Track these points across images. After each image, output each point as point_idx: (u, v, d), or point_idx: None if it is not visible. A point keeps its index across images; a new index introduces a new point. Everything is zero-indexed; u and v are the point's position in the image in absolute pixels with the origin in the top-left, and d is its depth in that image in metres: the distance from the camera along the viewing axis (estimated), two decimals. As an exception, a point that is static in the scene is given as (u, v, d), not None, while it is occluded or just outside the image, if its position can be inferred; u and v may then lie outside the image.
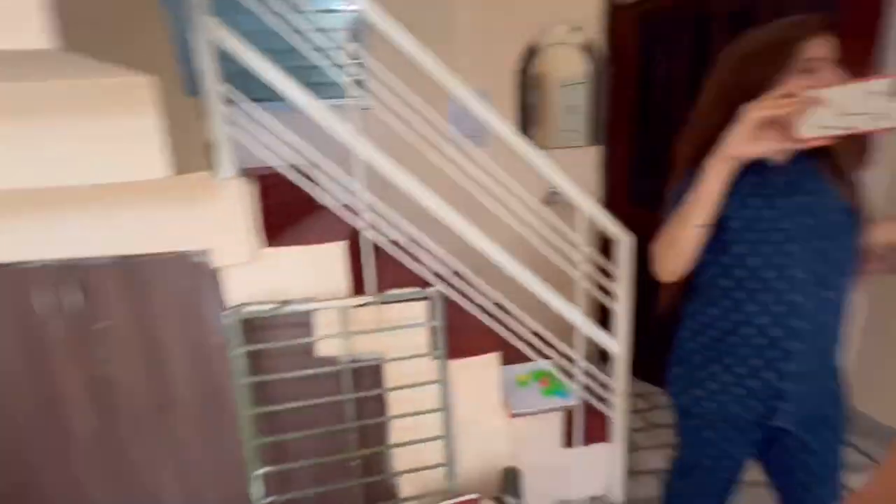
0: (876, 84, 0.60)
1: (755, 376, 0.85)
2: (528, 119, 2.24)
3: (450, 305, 1.21)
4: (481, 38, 2.13)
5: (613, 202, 2.22)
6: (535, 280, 1.24)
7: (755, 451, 0.95)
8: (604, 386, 1.42)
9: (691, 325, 0.94)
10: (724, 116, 0.75)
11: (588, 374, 1.40)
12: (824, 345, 0.84)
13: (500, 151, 1.27)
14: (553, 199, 2.23)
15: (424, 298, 1.14)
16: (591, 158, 2.27)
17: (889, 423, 1.69)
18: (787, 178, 0.81)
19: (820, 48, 0.73)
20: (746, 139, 0.68)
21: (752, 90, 0.74)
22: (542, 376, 1.53)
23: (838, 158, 0.82)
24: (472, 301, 1.27)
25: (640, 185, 2.22)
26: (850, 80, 0.62)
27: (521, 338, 1.33)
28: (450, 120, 1.21)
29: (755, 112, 0.67)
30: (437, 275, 1.22)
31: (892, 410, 1.69)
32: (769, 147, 0.69)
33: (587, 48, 2.10)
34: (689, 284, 0.93)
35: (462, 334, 1.34)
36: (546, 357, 1.37)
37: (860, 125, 0.61)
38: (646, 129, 2.09)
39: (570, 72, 2.18)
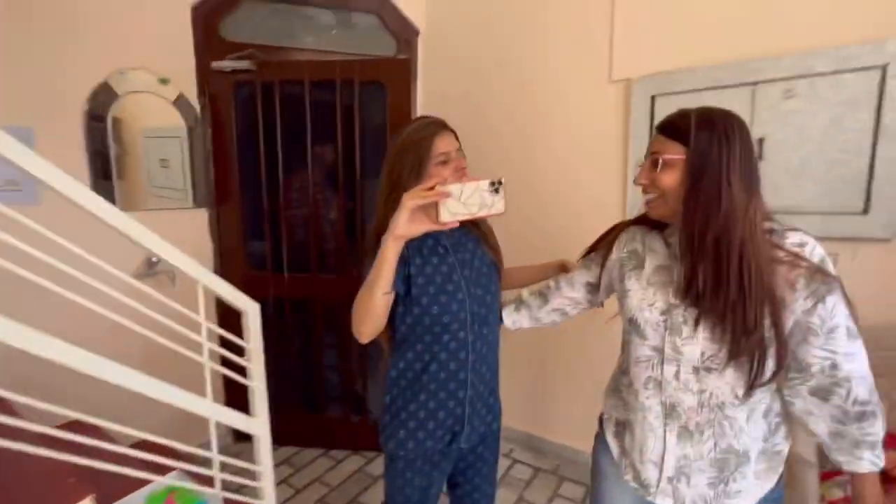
0: (481, 183, 0.81)
1: (443, 408, 1.00)
2: (108, 173, 1.81)
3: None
4: (17, 60, 1.57)
5: (229, 268, 2.10)
6: (138, 376, 0.95)
7: (446, 474, 1.10)
8: (247, 473, 1.26)
9: (394, 372, 1.04)
10: (394, 197, 0.91)
11: (225, 467, 1.21)
12: (486, 372, 1.05)
13: (67, 214, 0.93)
14: (152, 270, 1.87)
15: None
16: (200, 221, 2.06)
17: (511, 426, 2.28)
18: (452, 239, 1.02)
19: (449, 142, 0.97)
20: (407, 222, 0.81)
21: (406, 177, 0.95)
22: (164, 497, 1.19)
23: (483, 226, 1.10)
24: (25, 434, 0.83)
25: (253, 247, 2.20)
26: (467, 179, 0.82)
27: (123, 458, 0.99)
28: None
29: (409, 201, 0.80)
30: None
31: (516, 416, 2.26)
32: (424, 228, 0.83)
33: (179, 102, 1.93)
34: (394, 338, 1.04)
35: (17, 497, 0.86)
36: (166, 469, 1.07)
37: (476, 211, 0.82)
38: (254, 191, 2.11)
39: (159, 123, 1.93)
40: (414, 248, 0.97)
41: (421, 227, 0.83)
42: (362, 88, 1.97)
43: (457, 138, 1.01)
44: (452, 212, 0.81)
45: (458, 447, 1.05)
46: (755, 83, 1.48)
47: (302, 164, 2.05)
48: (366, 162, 2.04)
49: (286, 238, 2.09)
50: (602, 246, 0.97)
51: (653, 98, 1.66)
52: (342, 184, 2.05)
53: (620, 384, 0.94)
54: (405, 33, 2.19)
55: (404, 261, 0.93)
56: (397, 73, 1.96)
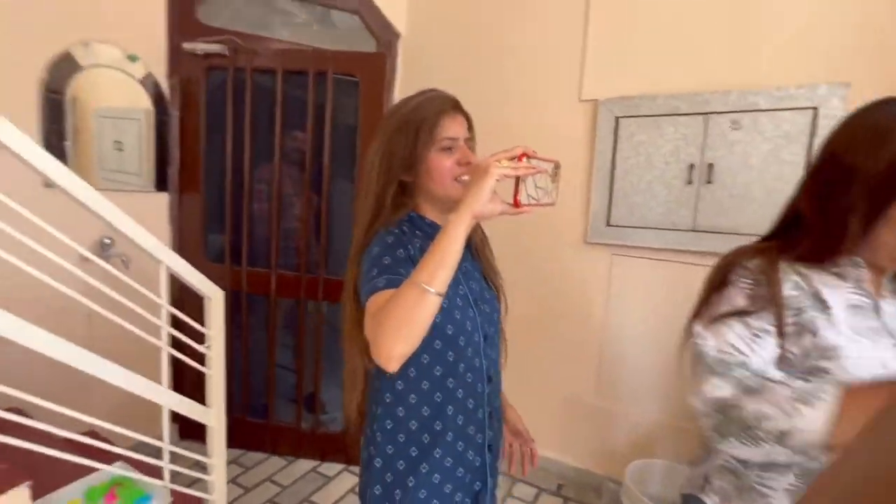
0: (548, 165, 0.66)
1: (462, 462, 0.77)
2: (63, 152, 1.71)
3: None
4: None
5: (186, 257, 2.00)
6: (86, 355, 0.90)
7: None
8: (197, 468, 1.22)
9: (389, 422, 0.78)
10: (386, 184, 0.77)
11: (176, 458, 1.16)
12: (498, 403, 0.85)
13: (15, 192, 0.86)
14: (105, 253, 1.78)
15: None
16: (158, 206, 1.98)
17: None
18: None
19: (458, 127, 0.77)
20: (488, 198, 0.61)
21: (398, 160, 0.76)
22: (106, 490, 1.13)
23: (476, 233, 0.87)
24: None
25: (212, 239, 2.13)
26: (541, 157, 0.64)
27: (66, 442, 0.93)
28: None
29: (497, 169, 0.61)
30: None
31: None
32: (499, 209, 0.64)
33: (146, 81, 1.86)
34: (379, 376, 0.80)
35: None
36: (111, 457, 1.02)
37: (540, 198, 0.66)
38: (218, 180, 2.05)
39: (116, 103, 1.84)
40: (417, 249, 0.75)
41: (497, 206, 0.64)
42: (337, 85, 1.97)
43: (469, 126, 0.82)
44: (528, 194, 0.64)
45: None
46: (707, 113, 1.62)
47: (269, 156, 2.02)
48: (334, 161, 2.04)
49: (247, 231, 2.04)
50: (757, 293, 0.62)
51: (617, 119, 1.78)
52: (309, 180, 2.04)
53: (756, 483, 0.63)
54: (386, 35, 2.22)
55: (412, 262, 0.71)
56: (373, 69, 1.98)
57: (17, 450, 0.82)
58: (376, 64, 1.97)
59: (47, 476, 1.01)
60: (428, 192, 0.79)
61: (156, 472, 1.17)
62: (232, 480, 1.86)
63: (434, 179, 0.77)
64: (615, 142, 1.80)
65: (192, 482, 1.22)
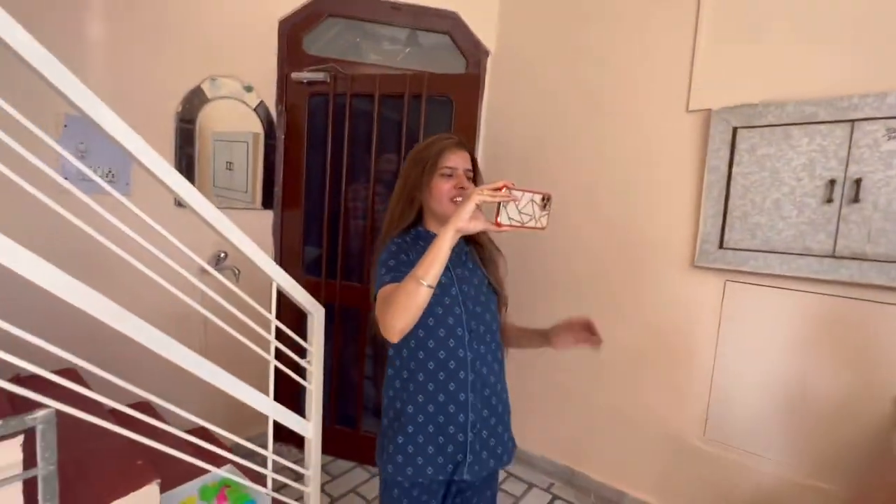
0: (535, 196, 0.81)
1: (441, 433, 0.94)
2: (192, 174, 1.91)
3: (62, 428, 0.77)
4: (124, 61, 1.70)
5: (286, 270, 2.14)
6: (206, 364, 0.95)
7: None
8: (289, 475, 1.26)
9: (391, 391, 1.01)
10: (401, 200, 1.03)
11: (277, 466, 1.21)
12: (490, 396, 0.98)
13: (149, 209, 0.94)
14: (218, 266, 1.95)
15: (18, 433, 0.68)
16: (263, 223, 2.14)
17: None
18: (457, 251, 1.00)
19: (458, 159, 1.00)
20: (470, 216, 0.79)
21: (412, 186, 1.01)
22: (217, 490, 1.20)
23: (485, 248, 1.08)
24: (100, 412, 0.86)
25: (309, 252, 2.25)
26: (527, 189, 0.80)
27: (183, 443, 1.00)
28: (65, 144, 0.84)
29: (477, 196, 0.78)
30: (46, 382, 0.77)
31: (558, 449, 2.19)
32: (481, 226, 0.81)
33: (259, 109, 2.03)
34: (383, 355, 1.01)
35: (89, 472, 0.89)
36: (218, 461, 1.08)
37: (525, 222, 0.82)
38: (317, 198, 2.17)
39: (231, 127, 2.02)
40: (416, 254, 0.93)
41: (479, 224, 0.81)
42: (430, 106, 2.00)
43: (472, 161, 1.03)
44: (510, 217, 0.80)
45: (462, 479, 0.97)
46: (854, 121, 1.39)
47: (365, 176, 2.09)
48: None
49: (342, 246, 2.13)
50: None
51: (734, 130, 1.59)
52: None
53: None
54: (475, 54, 2.22)
55: (412, 264, 0.87)
56: (466, 89, 1.98)
57: (142, 444, 0.89)
58: (470, 85, 1.98)
59: (164, 472, 1.09)
60: (431, 209, 1.02)
61: (253, 474, 1.23)
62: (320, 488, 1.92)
63: (434, 198, 0.99)
64: (731, 155, 1.61)
65: (281, 486, 1.26)
